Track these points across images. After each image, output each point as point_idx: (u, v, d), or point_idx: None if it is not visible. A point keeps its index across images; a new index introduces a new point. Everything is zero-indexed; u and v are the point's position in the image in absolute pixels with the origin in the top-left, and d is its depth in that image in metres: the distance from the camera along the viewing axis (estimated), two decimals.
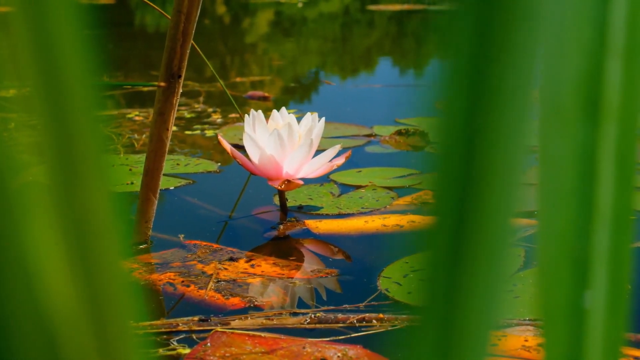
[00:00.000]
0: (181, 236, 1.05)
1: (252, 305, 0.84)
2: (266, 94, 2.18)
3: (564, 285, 0.16)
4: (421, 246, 0.14)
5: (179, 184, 1.32)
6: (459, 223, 0.13)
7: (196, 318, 0.80)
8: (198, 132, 1.72)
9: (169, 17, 0.94)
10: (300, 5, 6.10)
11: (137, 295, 0.14)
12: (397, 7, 5.58)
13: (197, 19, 0.94)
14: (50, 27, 0.12)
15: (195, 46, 1.00)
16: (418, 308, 0.14)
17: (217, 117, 1.86)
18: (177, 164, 1.43)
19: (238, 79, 2.56)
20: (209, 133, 1.70)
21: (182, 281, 0.90)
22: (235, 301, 0.85)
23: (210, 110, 1.95)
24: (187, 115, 1.88)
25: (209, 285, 0.89)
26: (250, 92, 2.21)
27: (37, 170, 0.13)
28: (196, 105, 2.00)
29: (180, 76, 0.95)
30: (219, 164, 1.45)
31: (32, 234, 0.13)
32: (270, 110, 1.16)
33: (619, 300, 0.16)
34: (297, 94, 2.47)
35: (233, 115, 1.88)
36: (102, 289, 0.13)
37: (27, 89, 0.12)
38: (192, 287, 0.89)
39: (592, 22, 0.15)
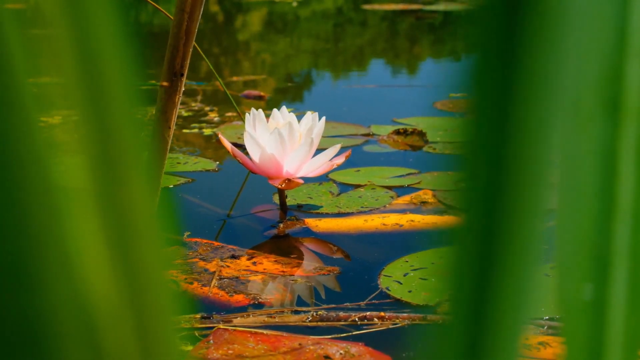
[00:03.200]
0: (186, 234, 1.05)
1: (256, 302, 0.85)
2: (262, 93, 2.19)
3: (584, 282, 0.16)
4: (450, 244, 0.14)
5: (178, 182, 1.32)
6: (489, 221, 0.14)
7: (198, 315, 0.80)
8: (196, 130, 1.72)
9: (171, 17, 0.94)
10: (294, 4, 6.09)
11: (177, 292, 0.14)
12: (392, 6, 5.58)
13: (200, 17, 0.94)
14: (89, 20, 0.12)
15: (197, 46, 1.01)
16: (449, 307, 0.14)
17: (214, 116, 1.86)
18: (178, 163, 1.43)
19: (235, 78, 2.56)
20: (207, 132, 1.70)
21: (185, 278, 0.91)
22: (239, 298, 0.86)
23: (207, 109, 1.95)
24: (185, 113, 1.88)
25: (213, 283, 0.89)
26: (246, 92, 2.21)
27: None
28: (193, 104, 2.00)
29: (182, 74, 0.95)
30: (218, 162, 1.45)
31: (74, 231, 0.13)
32: (265, 110, 1.16)
33: (639, 296, 0.17)
34: (290, 94, 2.47)
35: (230, 114, 1.88)
36: (143, 285, 0.14)
37: (65, 84, 0.13)
38: (196, 284, 0.89)
39: (612, 23, 0.15)
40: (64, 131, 0.13)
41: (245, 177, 1.36)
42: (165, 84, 0.94)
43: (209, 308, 0.83)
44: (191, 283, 0.90)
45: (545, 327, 0.78)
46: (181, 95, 0.97)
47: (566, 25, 0.13)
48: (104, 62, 0.13)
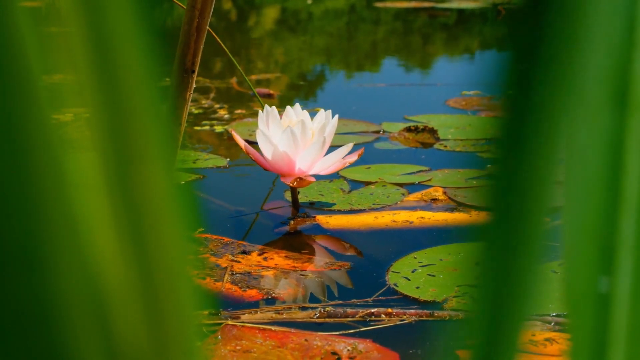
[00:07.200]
0: (199, 230, 1.06)
1: (269, 297, 0.85)
2: (271, 91, 2.19)
3: (589, 273, 0.16)
4: (476, 239, 0.14)
5: (188, 179, 1.32)
6: (513, 217, 0.14)
7: (206, 311, 0.81)
8: (207, 127, 1.73)
9: (183, 7, 0.94)
10: (309, 1, 6.08)
11: (195, 284, 0.14)
12: (404, 4, 5.56)
13: (210, 15, 0.95)
14: (104, 17, 0.13)
15: (219, 40, 1.01)
16: (472, 299, 0.14)
17: (224, 113, 1.87)
18: (189, 160, 1.44)
19: (253, 77, 2.56)
20: (218, 129, 1.71)
21: (197, 274, 0.91)
22: (252, 293, 0.86)
23: (217, 106, 1.95)
24: (195, 111, 1.89)
25: (225, 278, 0.90)
26: (257, 89, 2.22)
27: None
28: (203, 101, 2.00)
29: (193, 71, 0.96)
30: (229, 159, 1.46)
31: (87, 221, 0.13)
32: (277, 108, 1.16)
33: None
34: (302, 91, 2.48)
35: (239, 111, 1.88)
36: (157, 274, 0.14)
37: (80, 81, 0.13)
38: (208, 279, 0.90)
39: (621, 16, 0.16)
40: (78, 128, 0.13)
41: (258, 174, 1.37)
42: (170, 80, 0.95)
43: (223, 303, 0.84)
44: (203, 278, 0.90)
45: (552, 324, 0.78)
46: (192, 92, 0.98)
47: (581, 20, 0.13)
48: (120, 59, 0.13)
